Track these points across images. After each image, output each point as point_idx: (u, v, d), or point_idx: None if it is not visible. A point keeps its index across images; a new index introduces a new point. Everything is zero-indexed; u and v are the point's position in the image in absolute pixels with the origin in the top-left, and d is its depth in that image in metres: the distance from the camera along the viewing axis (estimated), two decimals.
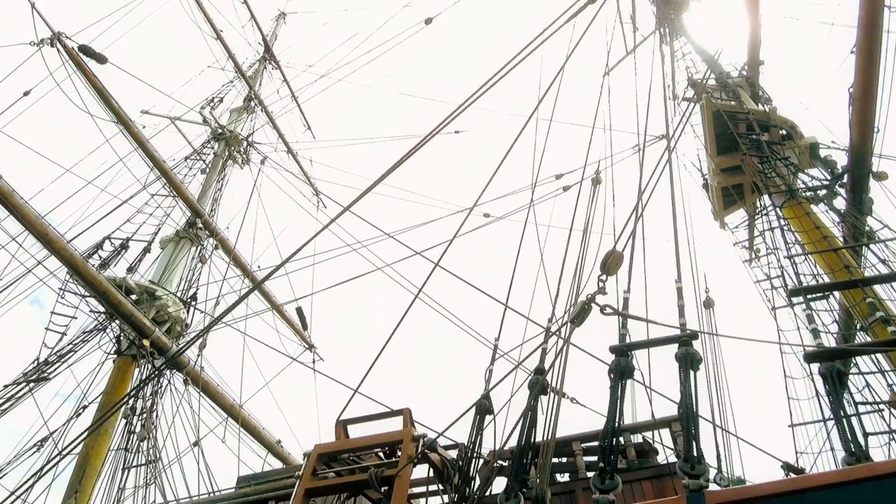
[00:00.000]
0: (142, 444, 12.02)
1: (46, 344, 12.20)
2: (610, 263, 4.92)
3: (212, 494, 8.88)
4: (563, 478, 6.67)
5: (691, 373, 4.71)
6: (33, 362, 12.10)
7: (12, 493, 8.07)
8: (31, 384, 11.61)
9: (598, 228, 7.49)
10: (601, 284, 4.94)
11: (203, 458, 11.82)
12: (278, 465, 14.13)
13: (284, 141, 22.80)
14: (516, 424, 5.17)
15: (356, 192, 8.09)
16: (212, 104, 21.90)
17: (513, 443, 5.26)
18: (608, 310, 4.95)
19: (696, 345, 4.91)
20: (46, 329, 12.30)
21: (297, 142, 23.61)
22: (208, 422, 13.17)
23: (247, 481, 8.13)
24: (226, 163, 20.33)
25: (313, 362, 17.81)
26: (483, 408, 5.48)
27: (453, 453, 6.49)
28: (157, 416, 12.72)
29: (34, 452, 11.96)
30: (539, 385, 5.27)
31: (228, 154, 20.73)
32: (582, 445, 6.57)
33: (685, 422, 4.48)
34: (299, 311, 18.49)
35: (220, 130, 20.85)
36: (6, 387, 11.67)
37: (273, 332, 17.18)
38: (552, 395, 5.33)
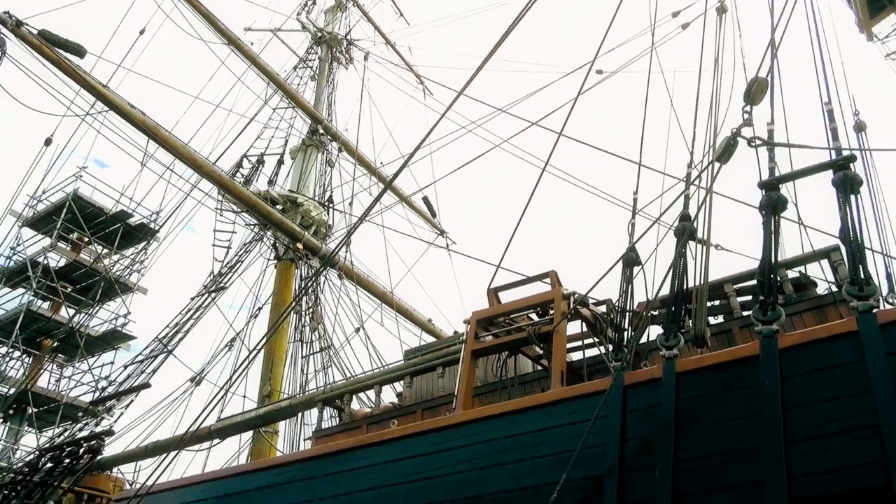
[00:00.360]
0: (314, 334, 13.51)
1: (216, 258, 13.79)
2: (754, 91, 4.64)
3: (382, 368, 9.90)
4: (716, 320, 6.76)
5: (851, 197, 4.52)
6: (209, 275, 13.77)
7: (221, 389, 9.36)
8: (212, 294, 13.25)
9: (728, 64, 7.00)
10: (746, 116, 4.71)
11: (368, 340, 13.13)
12: (431, 341, 15.35)
13: (381, 32, 22.61)
14: (667, 273, 5.27)
15: (458, 72, 8.06)
16: (306, 8, 21.97)
17: (662, 293, 5.39)
18: (756, 141, 4.76)
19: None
20: (213, 245, 13.86)
21: (393, 31, 23.36)
22: (365, 309, 14.48)
23: (414, 353, 8.97)
24: (331, 66, 20.62)
25: (447, 246, 18.58)
26: (630, 260, 5.60)
27: (602, 310, 6.76)
28: (321, 308, 14.16)
29: (226, 352, 13.84)
30: (686, 231, 5.27)
31: (332, 56, 20.95)
32: (734, 287, 6.57)
33: (849, 245, 4.37)
34: (426, 200, 19.15)
35: (319, 34, 21.00)
36: (192, 299, 13.43)
37: (406, 224, 18.04)
38: (698, 242, 5.34)
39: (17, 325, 17.49)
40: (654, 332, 6.67)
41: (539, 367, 7.28)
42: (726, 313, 6.56)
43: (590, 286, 6.10)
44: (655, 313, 6.27)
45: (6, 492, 11.10)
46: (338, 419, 9.66)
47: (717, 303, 6.70)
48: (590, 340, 6.89)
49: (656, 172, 7.67)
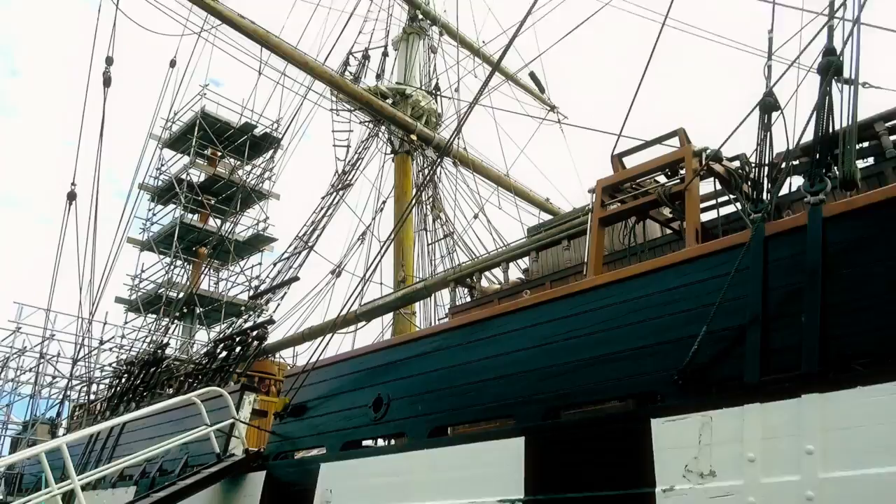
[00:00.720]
0: (436, 222, 14.01)
1: (338, 157, 14.42)
2: None
3: (507, 247, 10.16)
4: (865, 163, 6.26)
5: None
6: (334, 174, 14.47)
7: (362, 280, 10.00)
8: (340, 191, 13.98)
9: None
10: None
11: (490, 224, 13.43)
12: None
13: None
14: (810, 116, 4.90)
15: None
16: None
17: (804, 140, 5.05)
18: None
19: None
20: (334, 146, 14.45)
21: None
22: (483, 193, 14.71)
23: (537, 229, 9.10)
24: None
25: (559, 121, 18.10)
26: (768, 105, 5.22)
27: (735, 166, 6.44)
28: (440, 196, 14.56)
29: (359, 244, 14.73)
30: (832, 67, 4.82)
31: None
32: (886, 125, 6.00)
33: None
34: (532, 75, 18.50)
35: None
36: (323, 198, 14.26)
37: (514, 103, 17.65)
38: (844, 82, 4.89)
39: (175, 237, 19.54)
40: (796, 185, 6.35)
41: (669, 231, 7.18)
42: (877, 155, 6.05)
43: (722, 141, 5.84)
44: (796, 163, 5.91)
45: (190, 380, 12.89)
46: (469, 297, 10.18)
47: (866, 145, 6.18)
48: (724, 199, 6.65)
49: (793, 9, 6.94)
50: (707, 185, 6.65)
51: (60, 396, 18.41)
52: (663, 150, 6.47)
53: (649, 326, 5.13)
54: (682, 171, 6.04)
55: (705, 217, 6.72)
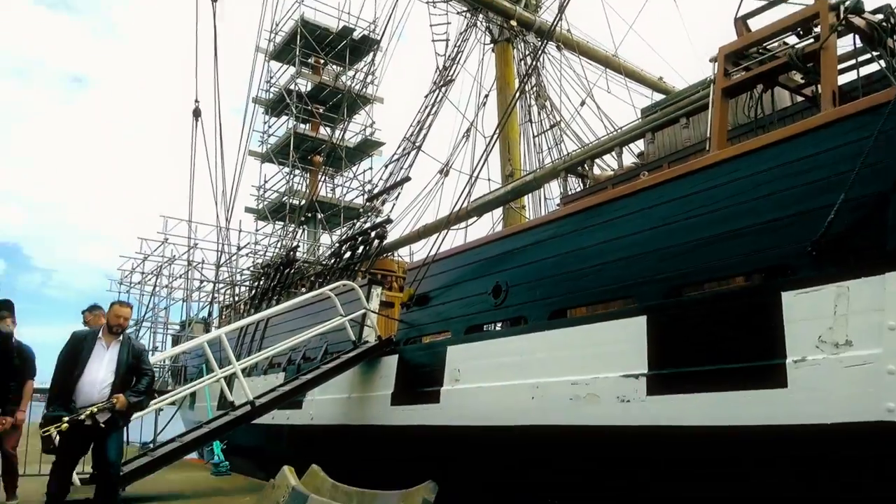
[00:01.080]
0: (542, 112, 13.68)
1: (438, 53, 14.22)
2: None
3: (620, 130, 9.82)
4: None
5: None
6: (436, 70, 14.34)
7: (470, 176, 10.04)
8: (442, 88, 13.89)
9: None
10: None
11: (599, 109, 12.94)
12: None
13: None
14: None
15: None
16: None
17: None
18: None
19: None
20: (433, 41, 14.23)
21: None
22: (590, 77, 14.07)
23: (652, 109, 8.71)
24: None
25: None
26: None
27: (879, 18, 5.77)
28: (545, 84, 14.11)
29: (464, 143, 14.76)
30: None
31: None
32: None
33: None
34: None
35: None
36: (426, 96, 14.25)
37: None
38: None
39: (291, 147, 20.45)
40: None
41: (800, 99, 6.67)
42: None
43: None
44: None
45: (320, 279, 13.88)
46: (581, 186, 10.05)
47: None
48: (864, 57, 6.03)
49: None
50: (843, 46, 6.06)
51: (209, 298, 20.53)
52: (792, 8, 5.92)
53: (779, 199, 4.94)
54: (817, 29, 5.52)
55: (841, 80, 6.17)
